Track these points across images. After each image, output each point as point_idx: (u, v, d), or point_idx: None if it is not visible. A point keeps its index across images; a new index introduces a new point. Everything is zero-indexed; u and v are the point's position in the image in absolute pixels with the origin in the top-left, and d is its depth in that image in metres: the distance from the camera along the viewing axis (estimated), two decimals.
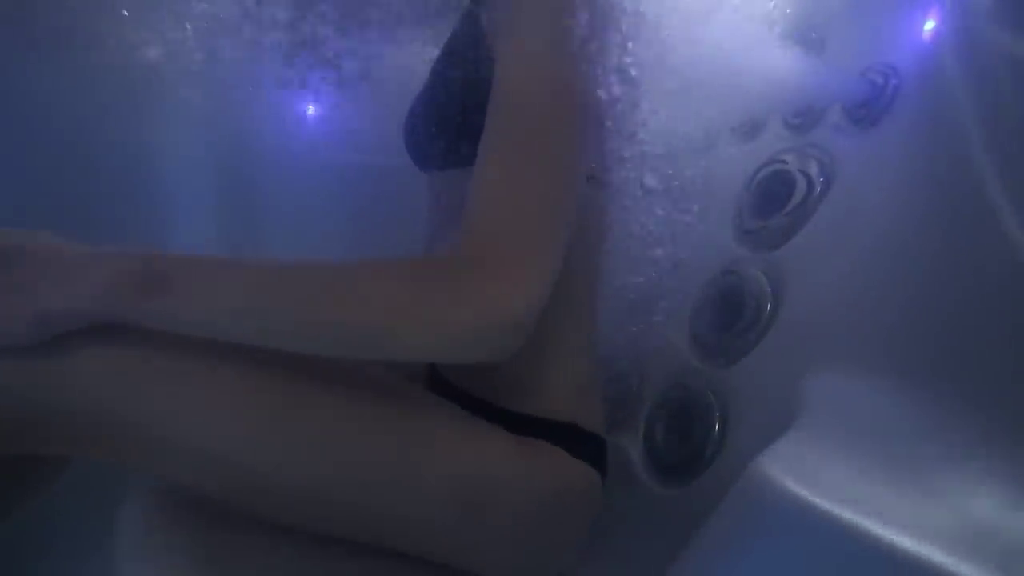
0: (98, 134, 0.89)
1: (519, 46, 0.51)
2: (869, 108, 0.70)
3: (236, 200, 1.05)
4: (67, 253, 0.46)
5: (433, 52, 0.70)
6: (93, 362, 0.45)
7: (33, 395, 0.45)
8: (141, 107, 0.93)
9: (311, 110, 1.09)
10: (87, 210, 0.87)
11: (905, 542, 0.34)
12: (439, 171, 0.65)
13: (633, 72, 0.54)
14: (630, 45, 0.54)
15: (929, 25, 0.65)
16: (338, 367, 0.52)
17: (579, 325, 0.62)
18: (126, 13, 0.89)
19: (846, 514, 0.36)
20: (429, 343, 0.46)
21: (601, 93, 0.52)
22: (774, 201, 0.77)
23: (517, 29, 0.51)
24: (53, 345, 0.45)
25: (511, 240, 0.47)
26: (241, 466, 0.48)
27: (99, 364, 0.46)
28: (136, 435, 0.47)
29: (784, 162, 0.78)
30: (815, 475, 0.39)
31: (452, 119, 0.59)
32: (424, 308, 0.45)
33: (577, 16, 0.50)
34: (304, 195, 1.07)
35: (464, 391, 0.62)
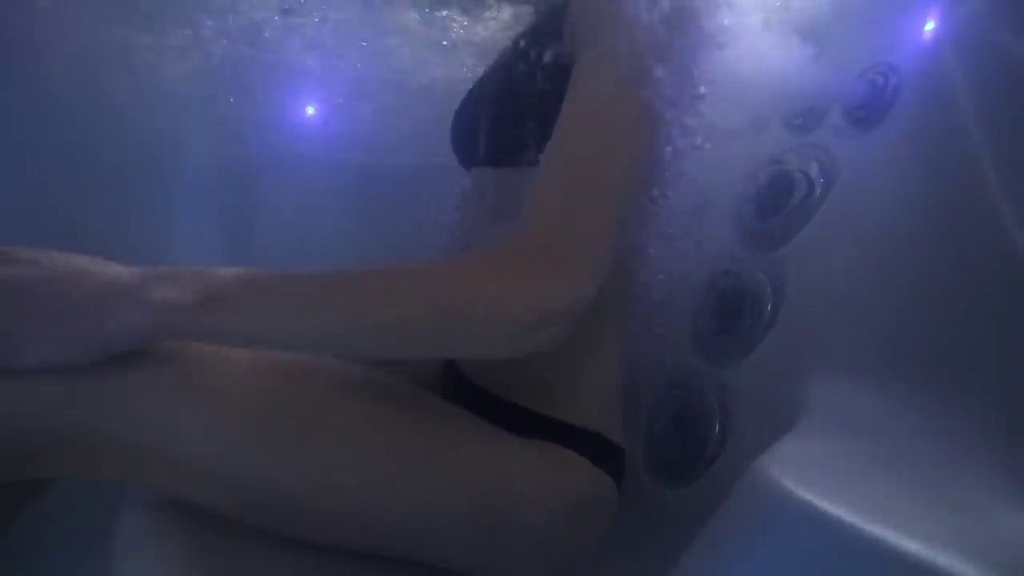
0: (98, 134, 0.89)
1: (602, 52, 0.52)
2: (869, 108, 0.70)
3: (236, 200, 1.05)
4: (125, 276, 0.45)
5: (434, 52, 0.70)
6: (113, 384, 0.45)
7: (46, 418, 0.44)
8: (141, 107, 0.93)
9: (311, 110, 1.09)
10: (88, 210, 0.87)
11: (906, 543, 0.34)
12: (490, 169, 0.65)
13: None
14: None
15: (929, 25, 0.64)
16: (357, 377, 0.52)
17: (612, 331, 0.62)
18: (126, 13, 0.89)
19: (846, 515, 0.36)
20: (486, 335, 0.47)
21: (664, 103, 0.53)
22: (774, 201, 0.77)
23: (601, 35, 0.52)
24: (77, 368, 0.44)
25: (571, 235, 0.48)
26: (259, 484, 0.48)
27: (116, 386, 0.45)
28: (148, 455, 0.46)
29: (784, 162, 0.78)
30: (816, 476, 0.39)
31: (514, 118, 0.59)
32: (482, 300, 0.46)
33: (656, 28, 0.51)
34: (304, 195, 1.07)
35: (485, 391, 0.62)
